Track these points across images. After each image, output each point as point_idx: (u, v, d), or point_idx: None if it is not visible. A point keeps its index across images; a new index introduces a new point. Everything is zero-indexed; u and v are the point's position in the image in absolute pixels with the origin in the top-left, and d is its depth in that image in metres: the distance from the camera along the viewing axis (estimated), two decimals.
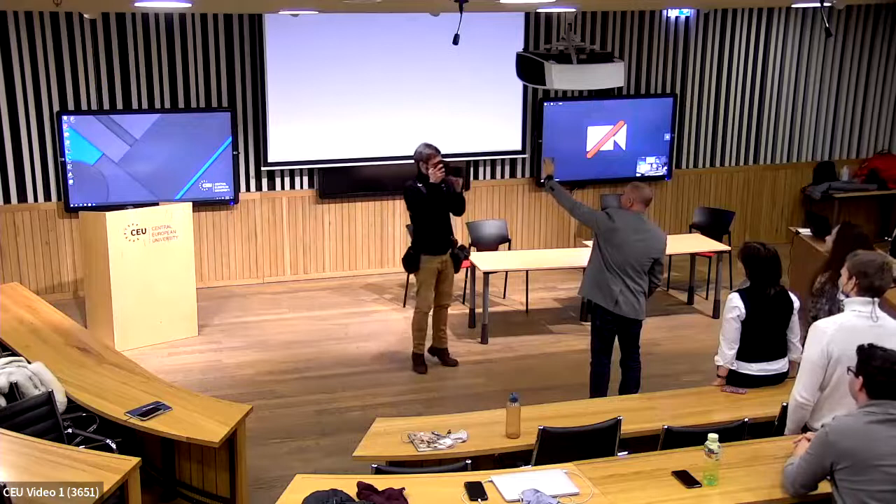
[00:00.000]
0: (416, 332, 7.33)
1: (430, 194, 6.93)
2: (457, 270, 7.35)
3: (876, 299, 4.42)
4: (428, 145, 7.00)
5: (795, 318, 5.26)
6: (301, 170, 9.46)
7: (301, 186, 9.51)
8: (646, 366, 7.54)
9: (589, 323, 8.42)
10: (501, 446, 4.74)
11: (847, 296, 4.52)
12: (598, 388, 6.37)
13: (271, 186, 9.42)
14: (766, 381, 5.24)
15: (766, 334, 5.19)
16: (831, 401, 4.41)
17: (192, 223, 8.04)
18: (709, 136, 10.76)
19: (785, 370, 5.27)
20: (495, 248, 9.06)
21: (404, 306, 8.87)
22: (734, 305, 5.15)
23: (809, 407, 4.44)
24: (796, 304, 5.24)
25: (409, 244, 7.26)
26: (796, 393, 4.44)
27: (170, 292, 7.89)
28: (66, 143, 8.61)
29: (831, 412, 4.40)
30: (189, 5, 7.25)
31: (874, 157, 11.28)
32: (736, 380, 5.25)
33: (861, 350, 3.77)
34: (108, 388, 5.52)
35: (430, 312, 7.28)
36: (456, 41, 5.45)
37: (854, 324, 4.37)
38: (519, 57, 6.54)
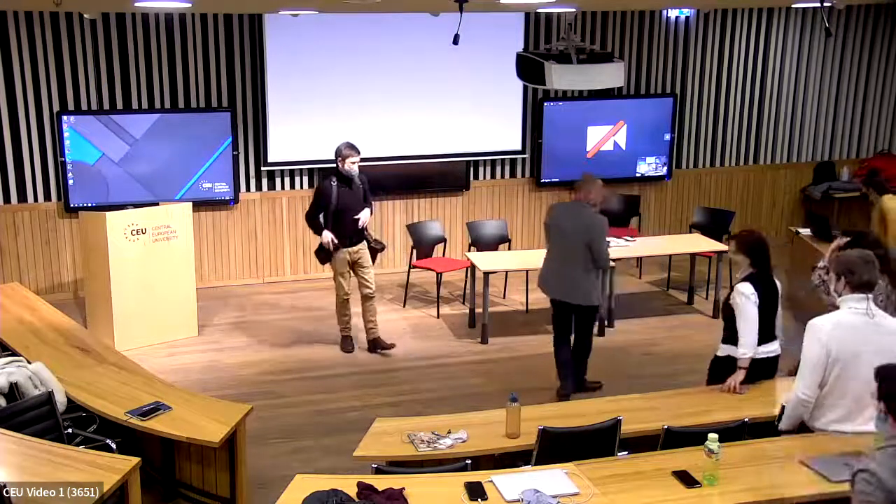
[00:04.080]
0: (339, 318, 7.84)
1: (339, 190, 7.38)
2: (372, 261, 7.74)
3: (869, 295, 4.42)
4: (350, 146, 7.41)
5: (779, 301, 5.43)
6: (301, 170, 9.46)
7: (301, 186, 9.51)
8: (646, 366, 7.57)
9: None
10: (501, 446, 4.74)
11: (840, 295, 4.52)
12: (561, 375, 6.87)
13: (271, 186, 9.42)
14: (770, 364, 5.32)
15: (767, 318, 5.27)
16: (830, 399, 4.42)
17: (192, 223, 8.05)
18: (709, 136, 10.76)
19: (780, 351, 5.38)
20: (495, 248, 9.06)
21: (404, 306, 8.87)
22: (750, 293, 5.17)
23: (811, 404, 4.44)
24: (780, 286, 5.41)
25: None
26: (799, 391, 4.44)
27: (170, 292, 7.89)
28: (66, 143, 8.61)
29: (832, 410, 4.41)
30: (189, 5, 7.25)
31: (874, 157, 11.28)
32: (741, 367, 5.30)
33: (882, 372, 3.59)
34: (108, 388, 5.53)
35: (349, 299, 7.70)
36: (456, 41, 5.45)
37: (851, 321, 4.38)
38: (519, 57, 6.53)
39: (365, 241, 7.62)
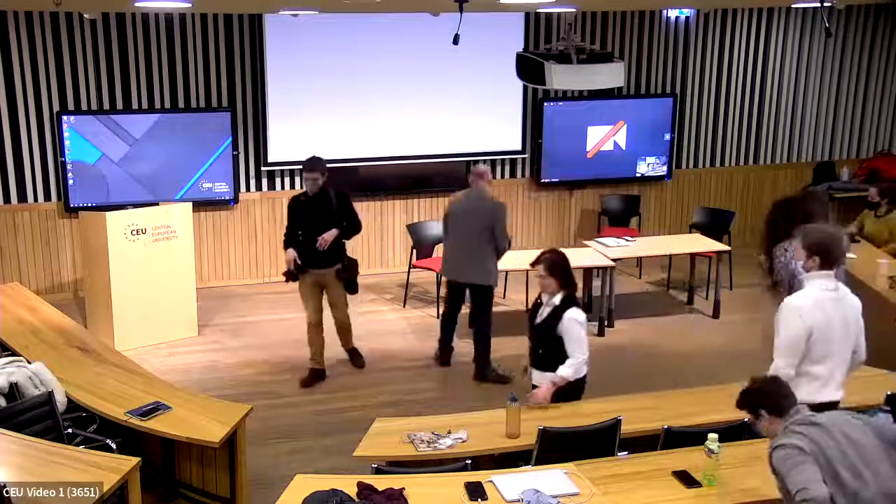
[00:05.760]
0: (309, 347, 7.24)
1: (306, 206, 6.89)
2: (350, 290, 7.14)
3: (835, 270, 4.53)
4: (308, 161, 6.96)
5: None
6: (301, 170, 9.44)
7: (301, 186, 9.49)
8: (646, 366, 7.56)
9: (589, 323, 8.45)
10: (501, 446, 4.74)
11: (808, 271, 4.56)
12: (442, 341, 7.51)
13: (271, 186, 9.42)
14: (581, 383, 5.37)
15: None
16: (807, 373, 4.46)
17: (192, 223, 8.05)
18: (709, 136, 10.76)
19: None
20: None
21: (404, 306, 8.87)
22: (583, 319, 5.15)
23: (792, 380, 4.38)
24: None
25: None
26: (781, 369, 4.38)
27: (170, 292, 7.89)
28: (66, 143, 8.61)
29: (808, 384, 4.43)
30: (189, 5, 7.25)
31: (874, 157, 11.28)
32: None
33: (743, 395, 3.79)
34: (108, 388, 5.53)
35: (317, 328, 7.13)
36: (456, 41, 5.45)
37: (823, 296, 4.47)
38: (519, 57, 6.54)
39: (338, 266, 7.00)
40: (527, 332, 5.38)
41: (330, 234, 6.79)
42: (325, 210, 6.89)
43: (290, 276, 6.97)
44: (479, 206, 7.08)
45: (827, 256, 4.48)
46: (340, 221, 6.90)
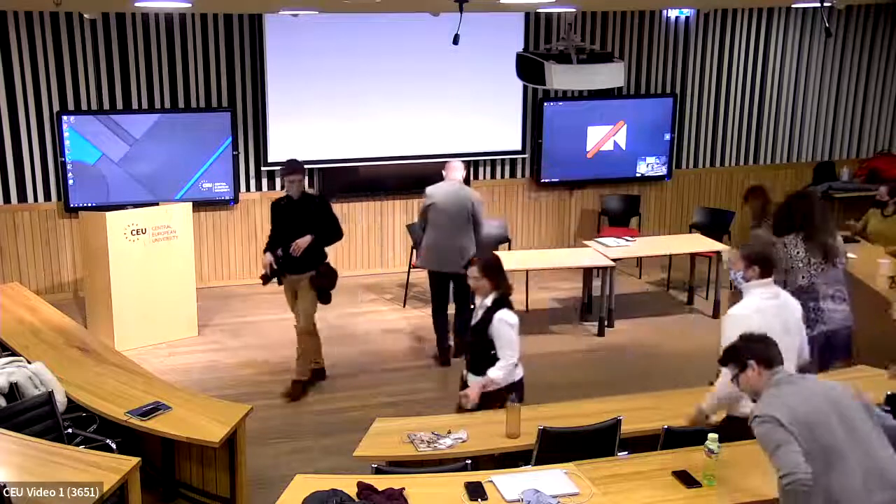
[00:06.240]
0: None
1: (287, 210, 6.77)
2: (322, 300, 6.92)
3: (773, 278, 4.68)
4: (287, 164, 6.82)
5: None
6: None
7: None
8: (646, 366, 7.56)
9: (589, 323, 8.47)
10: (501, 446, 4.74)
11: (747, 280, 4.71)
12: (439, 340, 7.56)
13: (271, 186, 9.41)
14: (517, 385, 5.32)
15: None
16: None
17: (192, 223, 8.05)
18: (709, 136, 10.76)
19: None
20: (495, 248, 9.04)
21: (404, 306, 8.87)
22: (515, 322, 5.12)
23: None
24: None
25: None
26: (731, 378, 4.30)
27: (170, 292, 7.89)
28: (66, 143, 8.61)
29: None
30: (189, 5, 7.25)
31: (874, 157, 11.28)
32: None
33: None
34: (108, 388, 5.53)
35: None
36: (456, 41, 5.45)
37: (766, 304, 4.59)
38: (519, 57, 6.53)
39: (312, 273, 6.80)
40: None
41: (304, 240, 6.62)
42: (305, 214, 6.74)
43: (266, 279, 6.82)
44: (459, 197, 7.34)
45: (766, 266, 4.67)
46: (319, 227, 6.73)
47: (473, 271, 5.18)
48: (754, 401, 3.83)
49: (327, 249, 6.91)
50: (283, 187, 6.93)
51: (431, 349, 7.75)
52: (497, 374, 5.00)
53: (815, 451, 3.50)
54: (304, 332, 6.94)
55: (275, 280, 6.86)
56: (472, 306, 7.17)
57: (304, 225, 6.70)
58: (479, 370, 5.10)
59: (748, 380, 3.83)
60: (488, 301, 5.14)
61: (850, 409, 3.62)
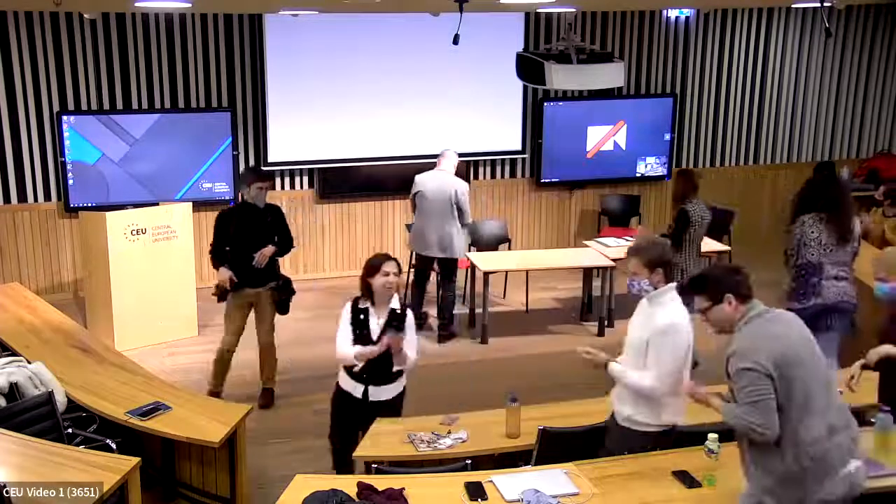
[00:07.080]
0: (213, 372, 6.72)
1: (240, 220, 6.41)
2: (282, 311, 6.68)
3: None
4: (255, 171, 6.82)
5: None
6: (301, 170, 9.46)
7: (301, 186, 9.51)
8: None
9: (589, 323, 8.47)
10: (501, 446, 4.74)
11: (655, 288, 4.44)
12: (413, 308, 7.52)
13: (271, 186, 9.40)
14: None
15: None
16: (674, 394, 4.33)
17: (192, 223, 8.05)
18: (709, 136, 10.76)
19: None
20: (495, 248, 9.06)
21: None
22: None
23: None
24: None
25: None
26: (657, 381, 4.25)
27: (170, 292, 7.89)
28: (66, 143, 8.61)
29: (674, 404, 4.34)
30: (189, 5, 7.25)
31: (874, 157, 11.28)
32: None
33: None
34: (108, 388, 5.53)
35: (228, 356, 6.67)
36: (456, 41, 5.45)
37: (683, 309, 4.49)
38: (519, 57, 6.53)
39: (272, 284, 6.57)
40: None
41: (268, 250, 6.39)
42: (259, 224, 6.44)
43: (223, 295, 6.49)
44: (444, 185, 7.76)
45: (668, 267, 4.44)
46: (273, 237, 6.50)
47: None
48: (720, 333, 3.78)
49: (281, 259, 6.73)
50: (237, 194, 6.64)
51: (431, 349, 7.74)
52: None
53: (790, 392, 3.50)
54: (270, 344, 6.76)
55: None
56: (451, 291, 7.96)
57: (260, 235, 6.43)
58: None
59: (722, 313, 3.73)
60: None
61: (817, 345, 3.69)
